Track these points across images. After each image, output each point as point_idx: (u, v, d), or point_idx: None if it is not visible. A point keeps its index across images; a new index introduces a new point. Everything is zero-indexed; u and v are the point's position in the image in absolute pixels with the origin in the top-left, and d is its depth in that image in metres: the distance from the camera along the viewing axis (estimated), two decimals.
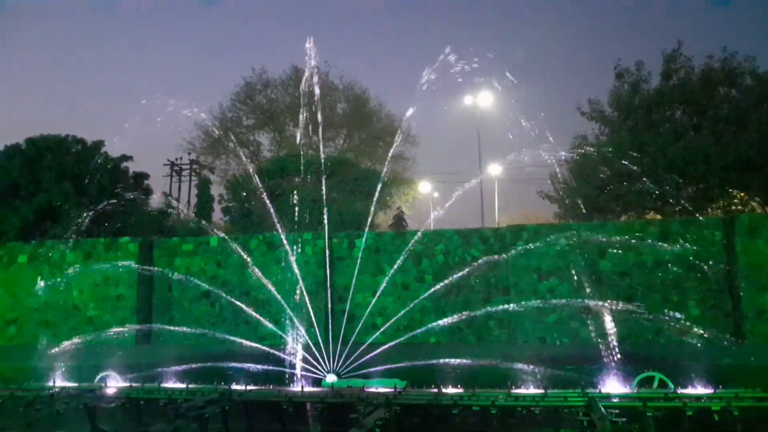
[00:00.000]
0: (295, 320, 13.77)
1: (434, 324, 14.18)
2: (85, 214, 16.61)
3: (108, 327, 15.41)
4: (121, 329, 15.16)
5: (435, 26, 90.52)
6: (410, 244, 14.97)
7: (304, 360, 11.61)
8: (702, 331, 12.89)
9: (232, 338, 13.96)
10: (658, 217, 18.13)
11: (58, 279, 15.95)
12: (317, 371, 11.29)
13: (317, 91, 15.35)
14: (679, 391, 8.09)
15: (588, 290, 13.73)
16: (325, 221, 15.74)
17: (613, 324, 13.44)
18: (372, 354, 12.60)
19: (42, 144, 20.87)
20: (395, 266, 14.86)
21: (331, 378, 9.97)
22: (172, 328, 15.25)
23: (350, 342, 13.43)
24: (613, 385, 8.37)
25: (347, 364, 11.65)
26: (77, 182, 19.86)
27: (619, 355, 10.78)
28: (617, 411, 7.02)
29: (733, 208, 17.95)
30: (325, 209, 17.94)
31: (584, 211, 18.39)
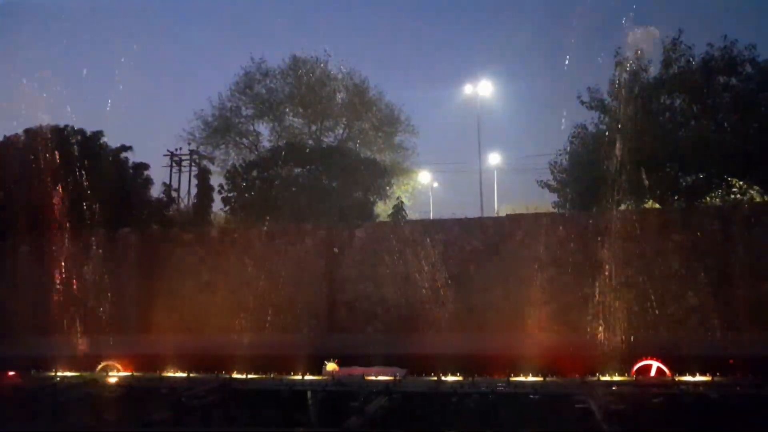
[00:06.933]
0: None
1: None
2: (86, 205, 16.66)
3: (108, 316, 15.49)
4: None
5: (435, 10, 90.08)
6: (410, 235, 15.03)
7: (306, 349, 11.67)
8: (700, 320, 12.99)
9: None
10: (658, 206, 18.15)
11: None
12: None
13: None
14: (677, 379, 8.14)
15: (587, 279, 13.79)
16: (325, 211, 15.78)
17: (611, 313, 13.56)
18: (372, 342, 12.67)
19: (41, 134, 20.81)
20: (395, 257, 14.93)
21: (331, 366, 10.01)
22: None
23: (351, 331, 13.50)
24: (611, 373, 8.42)
25: (348, 353, 11.70)
26: (77, 172, 19.83)
27: (617, 344, 10.86)
28: (616, 398, 7.07)
29: (733, 197, 17.97)
30: (325, 200, 17.97)
31: (583, 200, 18.40)
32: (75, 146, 20.55)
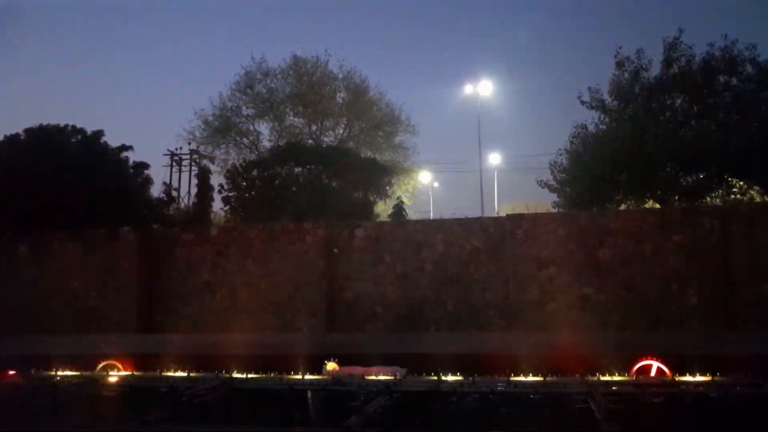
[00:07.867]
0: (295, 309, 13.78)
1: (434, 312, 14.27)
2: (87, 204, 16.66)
3: (108, 316, 15.50)
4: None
5: (436, 10, 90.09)
6: (410, 234, 15.03)
7: (306, 348, 11.66)
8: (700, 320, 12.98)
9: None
10: (658, 205, 18.15)
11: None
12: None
13: None
14: (677, 378, 8.14)
15: (587, 279, 13.79)
16: (325, 211, 15.76)
17: (611, 312, 13.56)
18: (372, 342, 12.66)
19: (42, 134, 20.77)
20: (395, 256, 14.92)
21: (331, 366, 10.01)
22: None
23: (351, 330, 13.49)
24: (611, 373, 8.43)
25: (348, 352, 11.70)
26: (78, 172, 19.81)
27: (617, 343, 10.85)
28: (616, 398, 7.07)
29: (733, 197, 17.96)
30: (325, 199, 17.93)
31: (583, 199, 18.40)
32: (75, 146, 20.50)
